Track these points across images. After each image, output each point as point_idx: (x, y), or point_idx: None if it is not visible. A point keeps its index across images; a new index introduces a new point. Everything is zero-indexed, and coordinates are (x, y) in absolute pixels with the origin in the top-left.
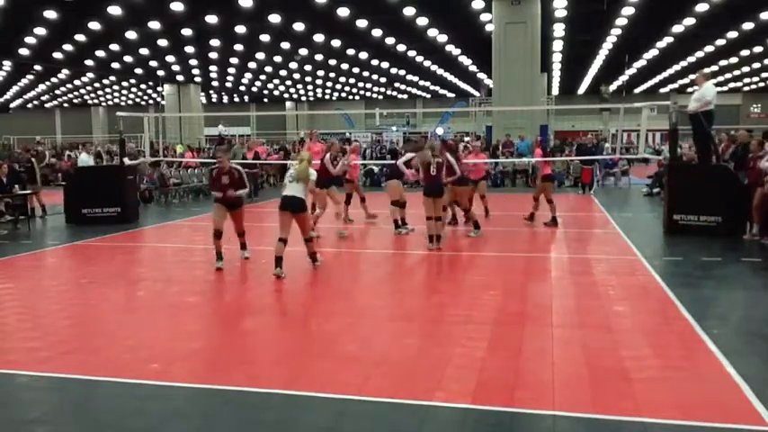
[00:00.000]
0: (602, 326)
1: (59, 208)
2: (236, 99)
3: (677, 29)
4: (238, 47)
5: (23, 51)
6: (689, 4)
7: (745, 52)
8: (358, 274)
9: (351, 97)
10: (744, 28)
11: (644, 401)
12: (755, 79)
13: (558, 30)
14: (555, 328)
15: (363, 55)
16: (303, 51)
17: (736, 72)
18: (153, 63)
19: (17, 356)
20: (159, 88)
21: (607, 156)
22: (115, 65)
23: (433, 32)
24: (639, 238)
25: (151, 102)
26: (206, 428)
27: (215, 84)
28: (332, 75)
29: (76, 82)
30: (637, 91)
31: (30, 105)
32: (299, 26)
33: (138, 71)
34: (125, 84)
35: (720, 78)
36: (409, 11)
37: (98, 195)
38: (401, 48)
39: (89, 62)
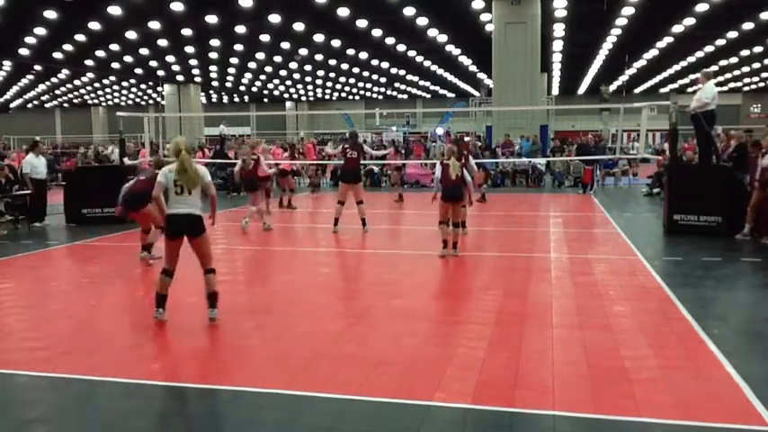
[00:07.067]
0: (602, 326)
1: (60, 207)
2: (236, 99)
3: (677, 29)
4: (238, 47)
5: (23, 51)
6: (689, 4)
7: (745, 52)
8: (356, 274)
9: (351, 97)
10: (744, 28)
11: (644, 401)
12: (755, 79)
13: (558, 30)
14: (555, 328)
15: (363, 55)
16: (303, 51)
17: (736, 72)
18: (153, 63)
19: (17, 356)
20: (159, 88)
21: (606, 156)
22: (115, 65)
23: (433, 32)
24: (639, 238)
25: (151, 102)
26: (206, 428)
27: (215, 84)
28: (332, 75)
29: (76, 82)
30: (637, 91)
31: (30, 105)
32: (298, 26)
33: (138, 71)
34: (125, 84)
35: (720, 78)
36: (409, 11)
37: (98, 195)
38: (401, 48)
39: (89, 62)
